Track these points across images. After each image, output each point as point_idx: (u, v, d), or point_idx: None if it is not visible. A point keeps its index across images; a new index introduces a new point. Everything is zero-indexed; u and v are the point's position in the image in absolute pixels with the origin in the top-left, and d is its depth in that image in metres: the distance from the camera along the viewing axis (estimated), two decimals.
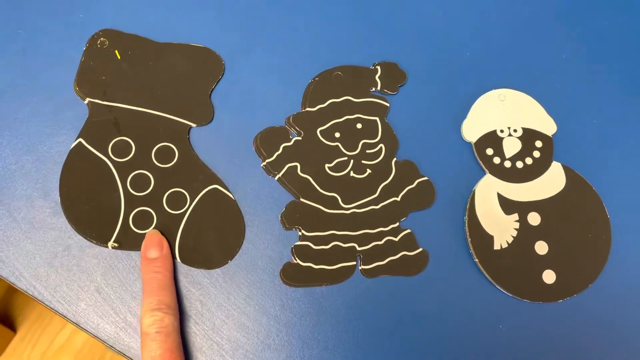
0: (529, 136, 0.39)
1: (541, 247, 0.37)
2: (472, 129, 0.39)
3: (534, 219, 0.37)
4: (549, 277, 0.36)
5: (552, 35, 0.44)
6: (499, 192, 0.38)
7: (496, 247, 0.37)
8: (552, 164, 0.39)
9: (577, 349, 0.36)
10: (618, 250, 0.38)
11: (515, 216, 0.37)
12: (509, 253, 0.37)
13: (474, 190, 0.38)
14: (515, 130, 0.39)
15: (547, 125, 0.40)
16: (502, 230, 0.37)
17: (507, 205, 0.38)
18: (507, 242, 0.37)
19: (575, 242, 0.37)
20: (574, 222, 0.38)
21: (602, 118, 0.41)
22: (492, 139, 0.39)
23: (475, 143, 0.39)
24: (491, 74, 0.42)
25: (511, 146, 0.39)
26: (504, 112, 0.40)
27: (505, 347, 0.36)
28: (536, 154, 0.39)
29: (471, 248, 0.37)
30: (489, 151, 0.39)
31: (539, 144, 0.39)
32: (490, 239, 0.37)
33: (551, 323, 0.36)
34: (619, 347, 0.36)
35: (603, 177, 0.39)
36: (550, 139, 0.39)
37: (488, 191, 0.38)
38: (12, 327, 0.92)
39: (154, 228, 0.36)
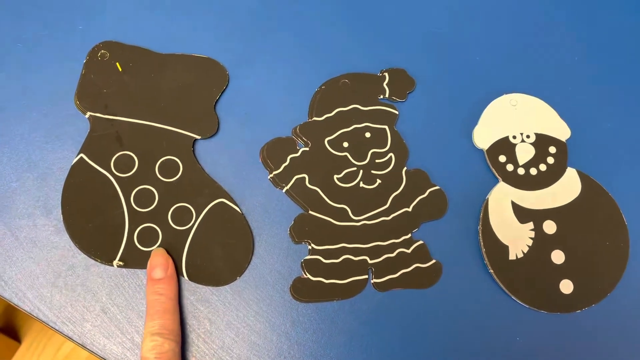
0: (542, 142, 0.38)
1: (558, 257, 0.36)
2: (483, 136, 0.38)
3: (549, 227, 0.36)
4: (566, 287, 0.35)
5: (563, 38, 0.43)
6: (513, 200, 0.37)
7: (511, 257, 0.36)
8: (567, 170, 0.38)
9: (596, 359, 0.35)
10: (637, 258, 0.37)
11: (531, 225, 0.36)
12: (524, 263, 0.36)
13: (487, 198, 0.37)
14: (528, 136, 0.38)
15: (561, 130, 0.39)
16: (517, 239, 0.36)
17: (522, 214, 0.37)
18: (523, 252, 0.36)
19: (592, 251, 0.36)
20: (591, 229, 0.37)
21: (617, 121, 0.40)
22: (505, 146, 0.38)
23: (488, 150, 0.38)
24: (502, 79, 0.41)
25: (524, 152, 0.38)
26: (516, 118, 0.39)
27: (522, 359, 0.35)
28: (550, 160, 0.38)
29: (486, 258, 0.36)
30: (502, 158, 0.38)
31: (552, 149, 0.38)
32: (505, 248, 0.36)
33: (569, 334, 0.35)
34: (638, 357, 0.35)
35: (619, 182, 0.38)
36: (564, 144, 0.38)
37: (502, 199, 0.37)
38: (16, 337, 0.91)
39: (159, 245, 0.35)
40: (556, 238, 0.36)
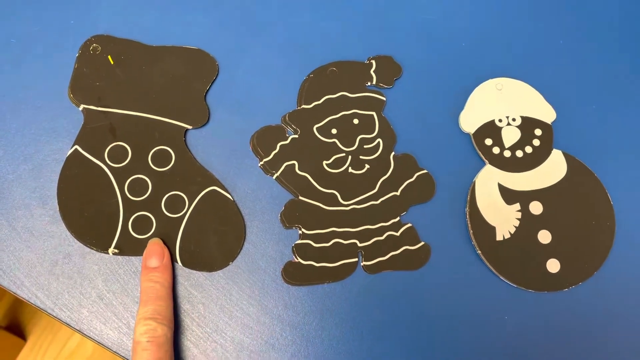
0: (528, 124, 0.39)
1: (544, 236, 0.37)
2: (470, 120, 0.39)
3: (536, 208, 0.37)
4: (553, 266, 0.36)
5: (548, 21, 0.43)
6: (500, 182, 0.37)
7: (498, 238, 0.36)
8: (553, 151, 0.38)
9: (584, 337, 0.36)
10: (623, 237, 0.37)
11: (517, 206, 0.37)
12: (511, 243, 0.36)
13: (474, 181, 0.37)
14: (514, 119, 0.39)
15: (546, 113, 0.39)
16: (504, 220, 0.37)
17: (509, 195, 0.37)
18: (510, 233, 0.36)
19: (578, 230, 0.37)
20: (577, 209, 0.37)
21: (602, 103, 0.41)
22: (491, 129, 0.38)
23: (474, 134, 0.38)
24: (488, 64, 0.41)
25: (510, 135, 0.38)
26: (501, 102, 0.39)
27: (510, 338, 0.36)
28: (536, 142, 0.38)
29: (473, 240, 0.36)
30: (488, 141, 0.38)
31: (538, 132, 0.39)
32: (492, 230, 0.36)
33: (557, 312, 0.36)
34: (627, 334, 0.36)
35: (605, 162, 0.39)
36: (549, 127, 0.39)
37: (488, 182, 0.37)
38: (22, 335, 0.92)
39: (153, 232, 0.36)
40: (543, 218, 0.37)
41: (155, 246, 0.35)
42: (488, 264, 0.36)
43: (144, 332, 0.31)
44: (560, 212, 0.37)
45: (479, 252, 0.36)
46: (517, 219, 0.37)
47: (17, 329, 0.93)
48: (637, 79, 0.42)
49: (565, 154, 0.38)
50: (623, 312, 0.36)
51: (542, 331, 0.36)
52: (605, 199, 0.37)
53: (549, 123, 0.39)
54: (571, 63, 0.42)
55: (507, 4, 0.43)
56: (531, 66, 0.41)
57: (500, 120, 0.39)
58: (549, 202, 0.37)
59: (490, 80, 0.40)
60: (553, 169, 0.38)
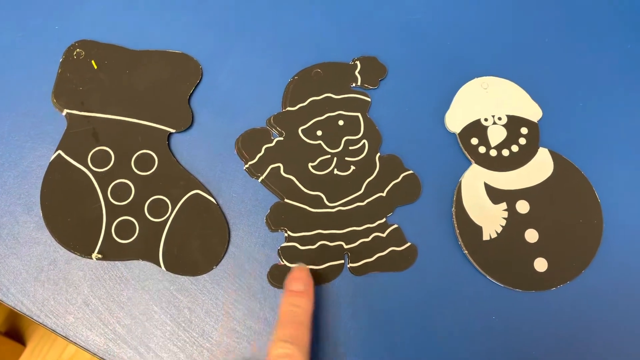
0: (514, 123, 0.38)
1: (531, 235, 0.36)
2: (455, 120, 0.39)
3: (522, 207, 0.37)
4: (540, 265, 0.36)
5: (533, 19, 0.43)
6: (486, 181, 0.37)
7: (485, 237, 0.36)
8: (539, 150, 0.38)
9: (572, 337, 0.35)
10: (610, 234, 0.37)
11: (504, 205, 0.37)
12: (498, 243, 0.36)
13: (460, 181, 0.37)
14: (499, 118, 0.38)
15: (532, 111, 0.39)
16: (490, 220, 0.36)
17: (495, 195, 0.37)
18: (497, 232, 0.36)
19: (566, 228, 0.36)
20: (564, 207, 0.37)
21: (589, 100, 0.40)
22: (477, 129, 0.38)
23: (460, 133, 0.38)
24: (473, 63, 0.41)
25: (496, 134, 0.38)
26: (487, 101, 0.39)
27: (499, 338, 0.35)
28: (522, 140, 0.38)
29: (460, 240, 0.36)
30: (474, 141, 0.38)
31: (524, 130, 0.38)
32: (479, 229, 0.36)
33: (545, 312, 0.36)
34: (615, 333, 0.36)
35: (592, 160, 0.39)
36: (536, 125, 0.39)
37: (474, 181, 0.37)
38: (21, 340, 0.92)
39: (136, 237, 0.35)
40: (529, 217, 0.37)
41: (301, 272, 0.34)
42: (475, 264, 0.36)
43: (281, 355, 0.29)
44: (547, 211, 0.37)
45: (466, 252, 0.36)
46: (504, 218, 0.36)
47: (17, 335, 0.93)
48: (623, 76, 0.41)
49: (551, 152, 0.38)
50: (611, 310, 0.36)
51: (530, 331, 0.35)
52: (592, 197, 0.37)
53: (535, 121, 0.39)
54: (557, 61, 0.41)
55: (491, 3, 0.43)
56: (517, 64, 0.41)
57: (486, 120, 0.38)
58: (535, 201, 0.37)
59: (475, 79, 0.40)
60: (539, 167, 0.38)
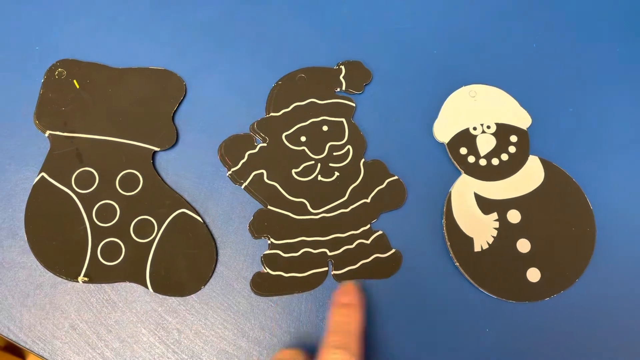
0: (503, 131, 0.38)
1: (523, 245, 0.36)
2: (444, 129, 0.38)
3: (513, 216, 0.36)
4: (533, 275, 0.35)
5: (521, 26, 0.42)
6: (476, 191, 0.37)
7: (476, 249, 0.36)
8: (529, 157, 0.37)
9: (567, 346, 0.35)
10: (603, 242, 0.36)
11: (495, 215, 0.36)
12: (490, 254, 0.36)
13: (450, 191, 0.37)
14: (488, 127, 0.38)
15: (522, 119, 0.38)
16: (481, 231, 0.36)
17: (485, 205, 0.36)
18: (488, 243, 0.36)
19: (558, 237, 0.36)
20: (556, 216, 0.36)
21: (578, 106, 0.40)
22: (466, 138, 0.38)
23: (448, 143, 0.38)
24: (460, 70, 0.41)
25: (485, 143, 0.38)
26: (475, 109, 0.38)
27: (492, 350, 0.35)
28: (512, 149, 0.37)
29: (451, 252, 0.35)
30: (463, 150, 0.37)
31: (514, 138, 0.38)
32: (470, 241, 0.36)
33: (539, 322, 0.35)
34: (610, 341, 0.35)
35: (583, 167, 0.38)
36: (525, 133, 0.38)
37: (464, 192, 0.37)
38: (20, 355, 0.92)
39: (122, 258, 0.35)
40: (521, 227, 0.36)
41: (350, 286, 0.34)
42: (467, 275, 0.35)
43: (332, 359, 0.29)
44: (539, 220, 0.36)
45: (457, 264, 0.35)
46: (495, 228, 0.36)
47: (16, 349, 0.92)
48: (613, 80, 0.41)
49: (542, 160, 0.37)
50: (606, 319, 0.35)
51: (524, 342, 0.35)
52: (584, 204, 0.37)
53: (525, 129, 0.38)
54: (546, 66, 0.41)
55: (479, 11, 0.43)
56: (505, 71, 0.41)
57: (474, 128, 0.38)
58: (527, 210, 0.36)
59: (463, 88, 0.39)
60: (530, 175, 0.37)
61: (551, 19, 0.42)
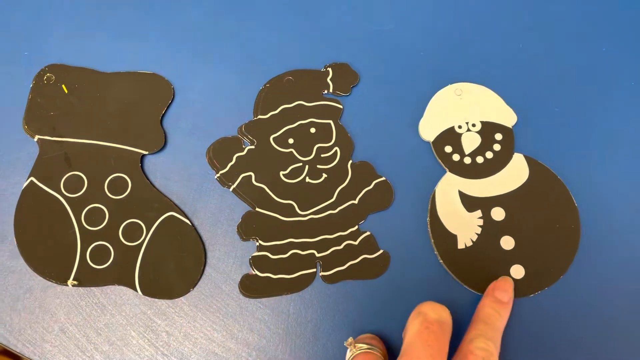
0: (488, 129, 0.38)
1: (507, 242, 0.36)
2: (429, 128, 0.38)
3: (498, 214, 0.36)
4: (517, 272, 0.35)
5: (507, 25, 0.42)
6: (460, 189, 0.37)
7: (460, 246, 0.36)
8: (514, 155, 0.38)
9: (552, 342, 0.35)
10: (588, 239, 0.36)
11: (479, 213, 0.36)
12: (474, 251, 0.36)
13: (435, 190, 0.37)
14: (473, 125, 0.38)
15: (507, 117, 0.39)
16: (465, 228, 0.36)
17: (470, 202, 0.37)
18: (472, 240, 0.36)
19: (542, 234, 0.36)
20: (540, 213, 0.37)
21: (565, 105, 0.40)
22: (451, 136, 0.38)
23: (434, 142, 0.38)
24: (447, 69, 0.41)
25: (470, 141, 0.38)
26: (461, 107, 0.39)
27: None
28: (496, 147, 0.38)
29: (435, 249, 0.36)
30: (448, 149, 0.38)
31: (498, 136, 0.38)
32: (453, 238, 0.36)
33: (523, 319, 0.35)
34: (594, 337, 0.35)
35: (569, 165, 0.38)
36: (510, 131, 0.38)
37: (449, 190, 0.37)
38: (18, 358, 0.92)
39: (112, 262, 0.35)
40: (505, 224, 0.36)
41: (507, 284, 0.34)
42: (451, 272, 0.35)
43: (483, 347, 0.30)
44: (523, 217, 0.36)
45: (441, 261, 0.36)
46: (479, 226, 0.36)
47: (13, 353, 0.92)
48: (599, 79, 0.41)
49: (527, 158, 0.38)
50: (591, 315, 0.35)
51: (509, 338, 0.35)
52: (569, 202, 0.37)
53: (510, 127, 0.38)
54: (532, 65, 0.41)
55: (465, 11, 0.43)
56: (492, 71, 0.41)
57: (460, 127, 0.38)
58: (511, 208, 0.37)
59: (449, 86, 0.39)
60: (515, 173, 0.37)
61: (537, 18, 0.43)
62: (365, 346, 0.31)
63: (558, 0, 0.43)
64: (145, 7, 0.42)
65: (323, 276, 0.36)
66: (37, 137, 0.37)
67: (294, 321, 0.35)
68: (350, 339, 0.32)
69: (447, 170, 0.37)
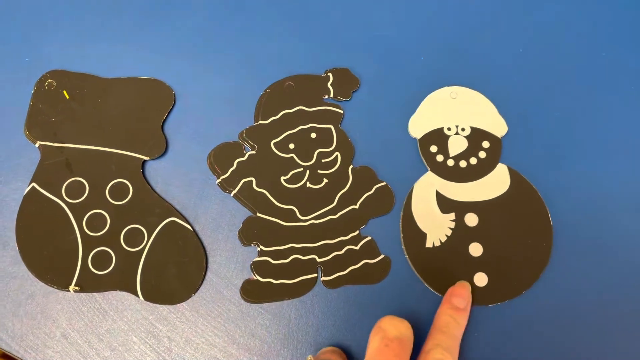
0: (477, 136, 0.38)
1: (475, 249, 0.36)
2: (418, 125, 0.38)
3: (471, 219, 0.36)
4: (480, 280, 0.35)
5: (506, 32, 0.42)
6: (438, 190, 0.37)
7: (428, 245, 0.36)
8: (498, 165, 0.37)
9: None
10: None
11: (452, 215, 0.36)
12: (441, 252, 0.36)
13: (413, 186, 0.37)
14: (463, 129, 0.38)
15: (498, 126, 0.38)
16: (436, 228, 0.36)
17: (445, 204, 0.37)
18: (440, 241, 0.36)
19: (512, 247, 0.36)
20: (514, 226, 0.36)
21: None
22: (438, 136, 0.38)
23: (420, 139, 0.38)
24: (447, 76, 0.41)
25: (457, 145, 0.38)
26: (453, 110, 0.39)
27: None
28: (482, 154, 0.38)
29: (402, 244, 0.36)
30: (433, 148, 0.38)
31: (486, 144, 0.38)
32: (423, 236, 0.36)
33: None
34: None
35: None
36: (498, 140, 0.38)
37: (427, 188, 0.37)
38: None
39: (113, 267, 0.35)
40: (477, 231, 0.36)
41: (464, 289, 0.34)
42: (415, 270, 0.35)
43: (440, 358, 0.30)
44: (496, 227, 0.36)
45: (406, 256, 0.36)
46: (450, 228, 0.36)
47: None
48: (598, 85, 0.41)
49: (510, 169, 0.37)
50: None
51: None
52: (545, 219, 0.36)
53: (499, 137, 0.38)
54: (530, 75, 0.41)
55: (463, 18, 0.43)
56: (490, 79, 0.40)
57: (449, 129, 0.38)
58: (485, 216, 0.36)
59: (445, 88, 0.39)
60: (495, 182, 0.37)
61: (537, 26, 0.43)
62: None
63: (559, 1, 0.43)
64: (146, 13, 0.42)
65: (324, 281, 0.36)
66: (38, 143, 0.37)
67: (295, 326, 0.35)
68: (309, 357, 0.32)
69: (428, 169, 0.37)
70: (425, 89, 0.40)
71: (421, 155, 0.37)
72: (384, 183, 0.38)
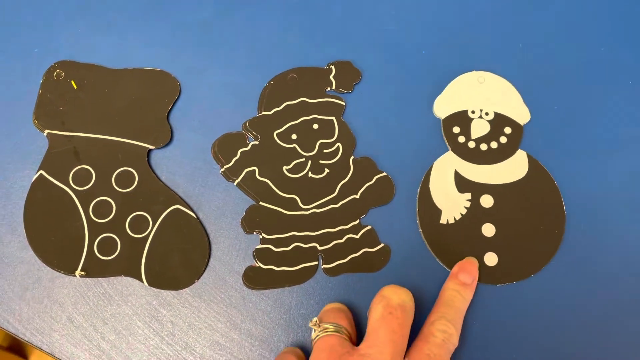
0: (499, 121, 0.39)
1: (488, 230, 0.37)
2: (444, 105, 0.39)
3: (487, 201, 0.37)
4: (490, 259, 0.36)
5: (509, 25, 0.43)
6: (457, 169, 0.38)
7: (442, 220, 0.37)
8: (518, 151, 0.38)
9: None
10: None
11: (468, 195, 0.37)
12: (454, 228, 0.36)
13: (433, 164, 0.38)
14: (487, 113, 0.39)
15: (521, 114, 0.39)
16: (451, 206, 0.37)
17: (463, 184, 0.37)
18: (455, 219, 0.37)
19: (524, 231, 0.36)
20: (528, 211, 0.37)
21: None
22: (462, 118, 0.39)
23: (444, 119, 0.39)
24: (448, 68, 0.41)
25: (479, 128, 0.38)
26: (479, 94, 0.39)
27: (476, 336, 0.35)
28: (503, 139, 0.38)
29: (418, 218, 0.37)
30: (456, 129, 0.38)
31: (508, 130, 0.39)
32: (438, 212, 0.37)
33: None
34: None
35: (569, 172, 0.38)
36: (520, 127, 0.39)
37: (446, 166, 0.38)
38: (23, 355, 0.93)
39: (118, 253, 0.36)
40: (491, 212, 0.37)
41: (472, 266, 0.35)
42: (427, 244, 0.36)
43: (442, 330, 0.31)
44: (510, 211, 0.37)
45: (420, 231, 0.36)
46: (465, 207, 0.37)
47: (19, 349, 0.93)
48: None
49: (529, 156, 0.38)
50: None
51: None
52: (559, 208, 0.37)
53: (522, 124, 0.39)
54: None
55: (465, 11, 0.43)
56: (494, 70, 0.41)
57: (473, 112, 0.39)
58: (501, 198, 0.37)
59: (473, 72, 0.40)
60: (513, 168, 0.38)
61: (538, 19, 0.43)
62: (331, 327, 0.32)
63: (558, 1, 0.44)
64: (153, 6, 0.43)
65: (325, 269, 0.36)
66: (46, 131, 0.38)
67: (295, 312, 0.36)
68: (315, 319, 0.32)
69: (449, 148, 0.38)
70: (427, 81, 0.41)
71: (443, 134, 0.38)
72: (384, 173, 0.38)
